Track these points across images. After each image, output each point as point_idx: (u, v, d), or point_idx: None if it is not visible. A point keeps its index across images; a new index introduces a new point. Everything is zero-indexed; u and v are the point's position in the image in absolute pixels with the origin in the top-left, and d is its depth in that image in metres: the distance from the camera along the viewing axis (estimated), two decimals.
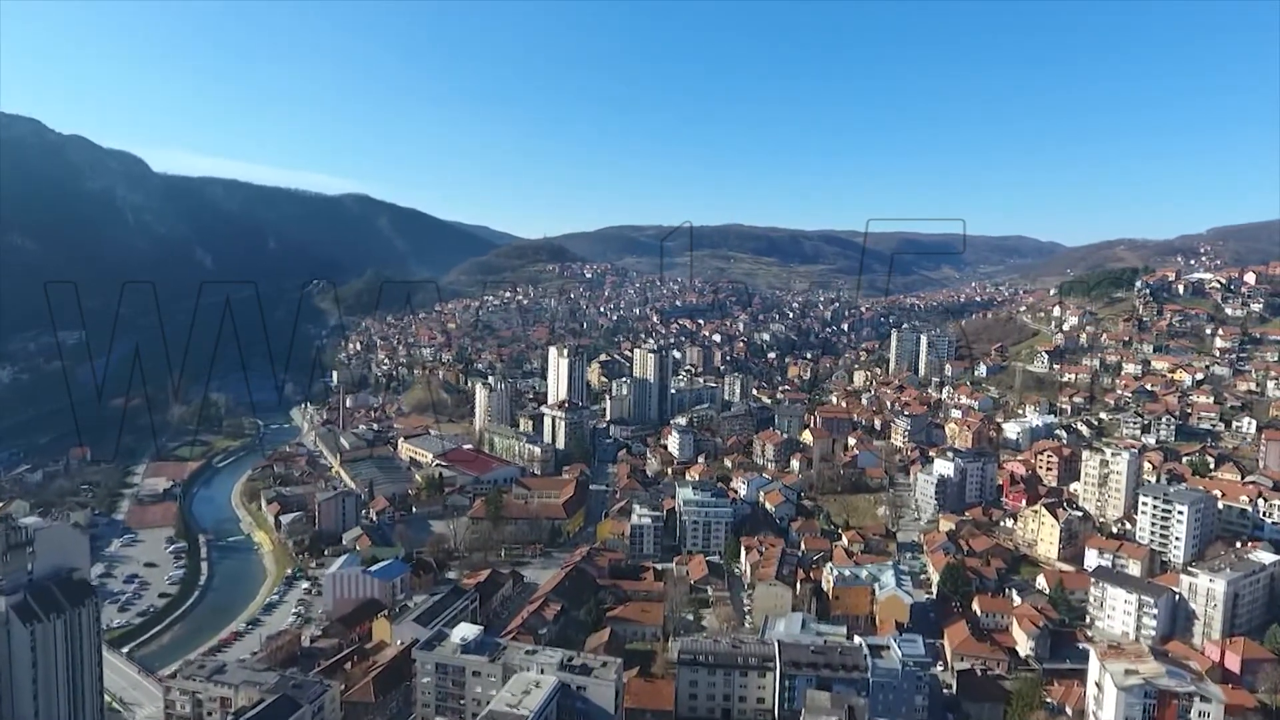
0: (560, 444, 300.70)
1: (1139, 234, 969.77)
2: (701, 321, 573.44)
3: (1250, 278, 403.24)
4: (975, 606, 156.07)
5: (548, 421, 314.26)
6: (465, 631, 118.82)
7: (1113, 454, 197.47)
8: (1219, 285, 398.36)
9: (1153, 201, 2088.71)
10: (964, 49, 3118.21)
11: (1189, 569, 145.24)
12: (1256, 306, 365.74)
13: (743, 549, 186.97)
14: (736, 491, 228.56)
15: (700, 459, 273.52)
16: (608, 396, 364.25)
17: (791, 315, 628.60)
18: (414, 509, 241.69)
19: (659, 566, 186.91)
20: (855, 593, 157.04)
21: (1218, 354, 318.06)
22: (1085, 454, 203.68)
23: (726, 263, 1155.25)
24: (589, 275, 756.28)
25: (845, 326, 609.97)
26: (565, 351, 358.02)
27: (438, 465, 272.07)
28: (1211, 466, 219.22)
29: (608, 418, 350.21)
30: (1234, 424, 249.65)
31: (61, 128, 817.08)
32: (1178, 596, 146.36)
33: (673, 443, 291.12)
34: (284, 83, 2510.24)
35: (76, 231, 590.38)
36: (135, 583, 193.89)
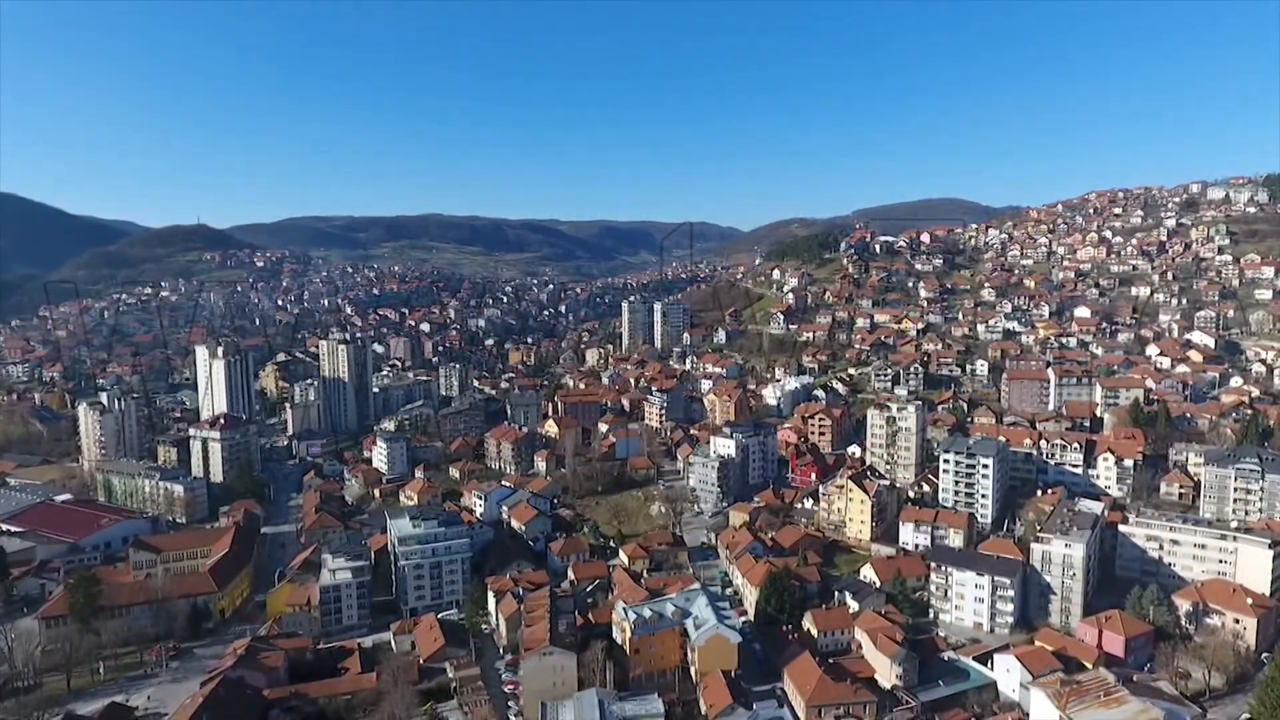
0: (217, 475, 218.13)
1: (806, 214, 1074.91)
2: (407, 310, 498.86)
3: (925, 238, 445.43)
4: (809, 625, 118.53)
5: (195, 447, 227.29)
6: None
7: (899, 409, 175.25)
8: (905, 245, 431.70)
9: (811, 189, 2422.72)
10: (621, 52, 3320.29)
11: (1040, 535, 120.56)
12: (938, 261, 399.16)
13: (490, 595, 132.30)
14: (471, 511, 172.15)
15: (418, 473, 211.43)
16: (289, 405, 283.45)
17: (506, 299, 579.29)
18: None
19: (369, 642, 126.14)
20: (662, 640, 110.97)
21: (925, 304, 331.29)
22: (871, 413, 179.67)
23: (429, 253, 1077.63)
24: (260, 264, 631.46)
25: (563, 308, 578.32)
26: (220, 352, 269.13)
27: (4, 533, 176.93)
28: (966, 411, 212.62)
29: (290, 432, 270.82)
30: (968, 367, 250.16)
31: None
32: (1027, 569, 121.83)
33: (379, 455, 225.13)
34: None
35: None
36: None
